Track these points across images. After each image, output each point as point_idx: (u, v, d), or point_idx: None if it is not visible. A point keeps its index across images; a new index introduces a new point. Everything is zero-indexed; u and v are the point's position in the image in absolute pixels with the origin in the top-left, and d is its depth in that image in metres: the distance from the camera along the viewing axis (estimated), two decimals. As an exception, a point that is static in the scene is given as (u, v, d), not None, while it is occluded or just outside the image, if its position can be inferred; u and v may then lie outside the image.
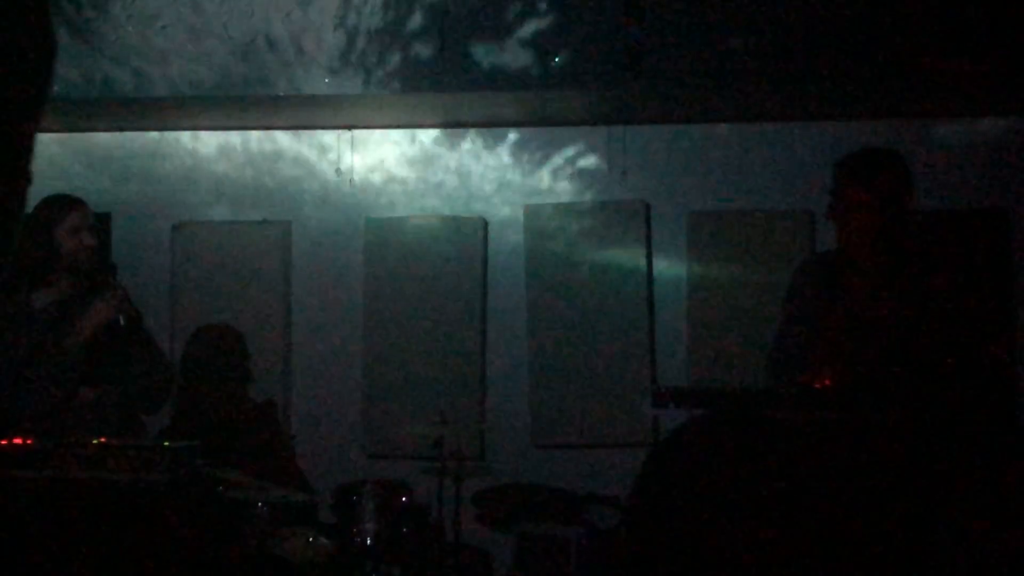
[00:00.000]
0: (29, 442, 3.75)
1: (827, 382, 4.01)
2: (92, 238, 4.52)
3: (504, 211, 7.36)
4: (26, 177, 1.98)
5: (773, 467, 3.00)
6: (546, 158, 7.37)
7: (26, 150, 1.96)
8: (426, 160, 7.41)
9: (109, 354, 4.44)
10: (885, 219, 4.34)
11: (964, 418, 4.01)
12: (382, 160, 7.41)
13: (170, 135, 7.43)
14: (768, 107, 6.99)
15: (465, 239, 7.33)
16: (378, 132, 7.39)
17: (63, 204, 4.54)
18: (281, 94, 6.55)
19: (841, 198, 4.41)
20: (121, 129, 7.38)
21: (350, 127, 7.34)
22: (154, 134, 7.42)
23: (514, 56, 6.49)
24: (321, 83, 6.52)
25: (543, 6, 6.47)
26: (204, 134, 7.44)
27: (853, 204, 4.36)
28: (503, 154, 7.39)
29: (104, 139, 7.44)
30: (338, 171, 7.37)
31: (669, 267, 7.24)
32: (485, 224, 7.36)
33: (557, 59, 6.40)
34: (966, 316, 4.32)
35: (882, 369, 4.09)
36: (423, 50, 6.50)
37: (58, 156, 7.33)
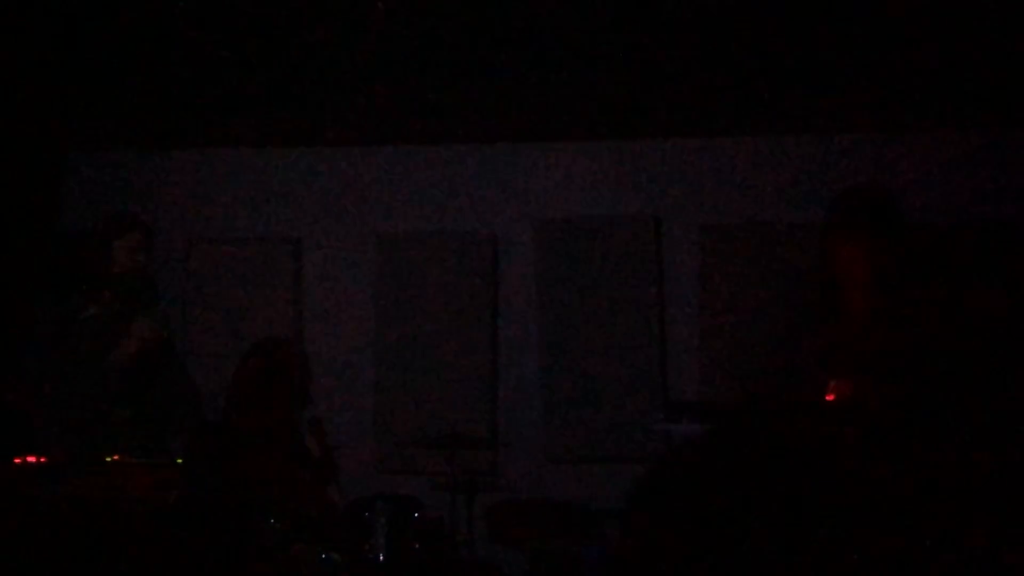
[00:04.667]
0: (43, 460, 3.76)
1: (841, 396, 3.99)
2: (146, 260, 4.56)
3: (514, 227, 7.35)
4: (56, 194, 2.01)
5: (780, 481, 2.98)
6: (556, 173, 7.37)
7: (56, 171, 1.99)
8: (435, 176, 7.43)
9: (143, 374, 4.47)
10: (886, 266, 4.09)
11: (981, 430, 3.98)
12: (390, 175, 7.43)
13: (182, 153, 7.46)
14: (780, 120, 6.99)
15: (475, 256, 7.32)
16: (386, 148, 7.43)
17: (125, 222, 4.59)
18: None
19: (836, 263, 4.12)
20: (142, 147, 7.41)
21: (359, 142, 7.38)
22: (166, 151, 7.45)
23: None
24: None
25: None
26: (214, 150, 7.47)
27: (853, 266, 4.08)
28: (512, 169, 7.40)
29: (119, 156, 7.45)
30: (347, 187, 7.41)
31: (681, 282, 7.23)
32: (495, 240, 7.36)
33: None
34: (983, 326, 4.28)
35: (896, 383, 4.06)
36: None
37: (81, 174, 7.34)
